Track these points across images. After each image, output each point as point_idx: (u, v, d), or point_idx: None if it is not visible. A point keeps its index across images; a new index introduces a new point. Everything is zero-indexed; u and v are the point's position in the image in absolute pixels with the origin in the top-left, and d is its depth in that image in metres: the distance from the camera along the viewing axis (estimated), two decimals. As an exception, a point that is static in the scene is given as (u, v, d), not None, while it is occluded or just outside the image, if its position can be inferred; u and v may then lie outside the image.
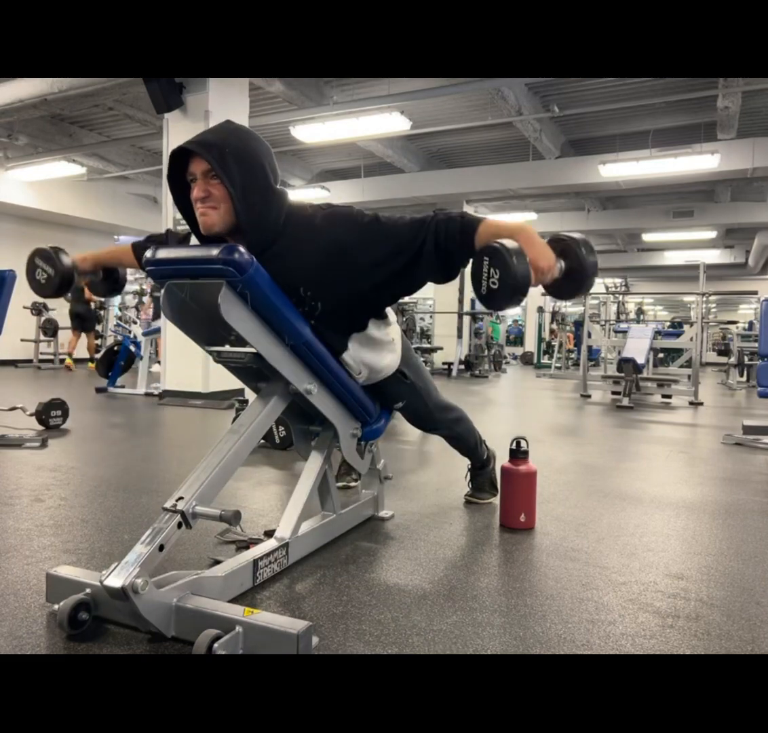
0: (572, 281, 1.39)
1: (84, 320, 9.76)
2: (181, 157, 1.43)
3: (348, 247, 1.47)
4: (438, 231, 1.44)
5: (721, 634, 1.36)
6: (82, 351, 10.36)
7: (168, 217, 5.44)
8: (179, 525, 1.28)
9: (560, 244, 1.38)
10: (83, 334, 9.88)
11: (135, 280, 10.27)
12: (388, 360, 1.79)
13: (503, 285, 1.26)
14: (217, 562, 1.57)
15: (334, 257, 1.47)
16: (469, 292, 11.17)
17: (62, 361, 9.63)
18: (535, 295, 14.82)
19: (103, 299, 9.60)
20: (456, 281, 10.54)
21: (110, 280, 1.90)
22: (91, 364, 9.84)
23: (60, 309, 9.67)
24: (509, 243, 1.29)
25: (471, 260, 1.41)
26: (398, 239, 1.47)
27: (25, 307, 8.95)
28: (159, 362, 6.24)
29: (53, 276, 1.73)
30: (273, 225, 1.46)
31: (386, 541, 1.93)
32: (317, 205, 1.56)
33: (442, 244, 1.44)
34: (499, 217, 9.17)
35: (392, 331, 1.79)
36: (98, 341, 10.03)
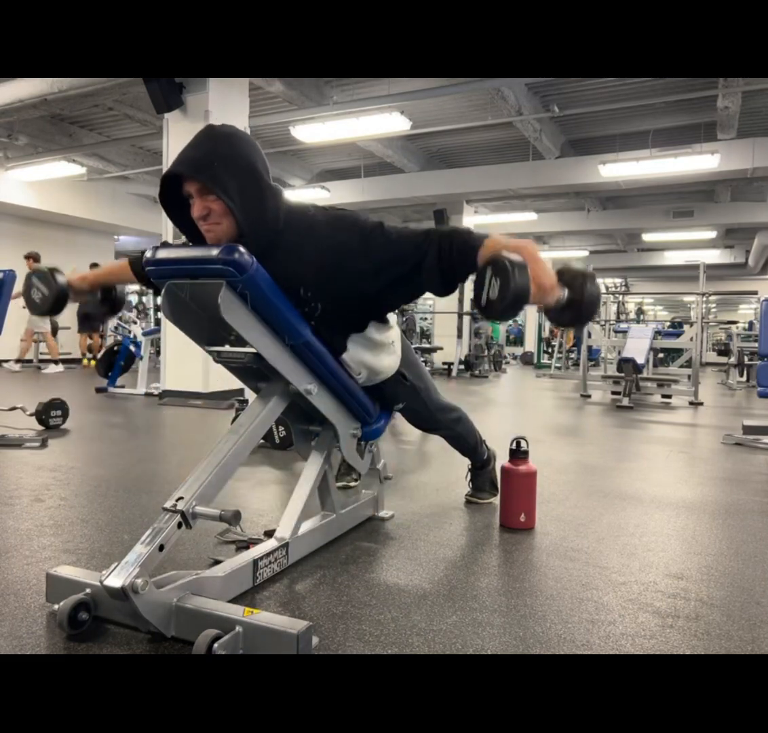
0: (574, 311, 1.40)
1: (92, 320, 9.77)
2: (173, 176, 1.41)
3: (349, 251, 1.46)
4: (442, 244, 1.43)
5: (721, 634, 1.36)
6: (76, 350, 10.37)
7: (168, 219, 5.44)
8: (179, 525, 1.28)
9: (566, 275, 1.40)
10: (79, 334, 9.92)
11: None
12: (388, 362, 1.79)
13: (502, 294, 1.27)
14: (217, 562, 1.57)
15: (334, 260, 1.46)
16: (469, 292, 11.16)
17: (58, 362, 9.62)
18: (535, 295, 14.81)
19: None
20: (456, 281, 10.54)
21: (107, 301, 1.90)
22: (85, 361, 9.85)
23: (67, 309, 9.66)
24: (513, 255, 1.29)
25: (472, 275, 1.41)
26: (400, 248, 1.46)
27: (24, 307, 8.94)
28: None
29: (47, 295, 1.76)
30: (272, 225, 1.45)
31: (386, 541, 1.93)
32: (320, 206, 1.55)
33: (445, 258, 1.43)
34: (499, 217, 9.10)
35: (392, 333, 1.79)
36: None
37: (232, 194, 1.36)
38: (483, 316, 1.37)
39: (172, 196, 1.46)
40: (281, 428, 3.22)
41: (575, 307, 1.39)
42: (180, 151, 1.41)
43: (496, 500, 2.25)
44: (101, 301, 1.89)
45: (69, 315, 9.26)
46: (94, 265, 7.65)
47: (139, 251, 1.76)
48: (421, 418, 2.09)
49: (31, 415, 3.71)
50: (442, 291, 1.51)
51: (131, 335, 6.35)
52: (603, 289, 13.07)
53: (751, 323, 13.43)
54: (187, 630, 1.21)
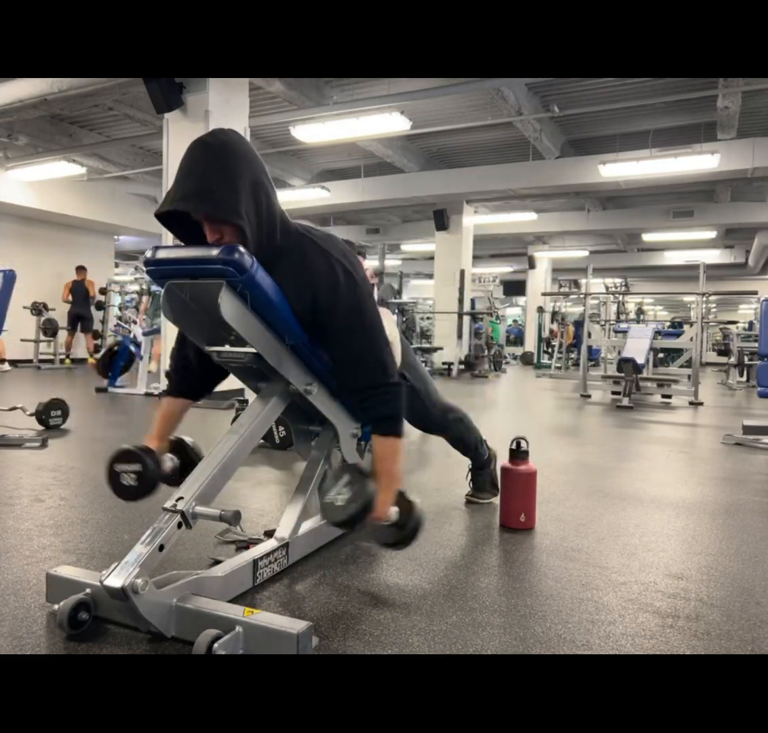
0: (394, 533, 1.56)
1: (84, 320, 9.79)
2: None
3: (328, 304, 1.45)
4: (386, 396, 1.51)
5: (721, 634, 1.36)
6: (81, 351, 10.38)
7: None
8: (179, 525, 1.28)
9: (399, 501, 1.54)
10: (81, 334, 9.91)
11: (135, 280, 10.29)
12: (389, 361, 1.79)
13: (347, 508, 1.40)
14: (217, 562, 1.57)
15: (311, 294, 1.44)
16: (470, 293, 11.18)
17: (62, 361, 9.64)
18: (535, 294, 14.84)
19: (102, 297, 9.58)
20: (456, 281, 10.56)
21: (189, 466, 1.52)
22: (91, 359, 9.85)
23: (60, 309, 9.69)
24: (371, 482, 1.43)
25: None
26: (367, 337, 1.49)
27: (25, 307, 8.95)
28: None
29: (143, 475, 1.47)
30: (276, 231, 1.44)
31: (386, 541, 1.93)
32: (318, 235, 1.50)
33: (374, 405, 1.51)
34: (499, 217, 9.07)
35: (391, 333, 1.78)
36: (98, 341, 10.02)
37: (241, 213, 1.32)
38: (321, 509, 1.51)
39: (170, 212, 1.40)
40: (281, 428, 3.22)
41: (398, 529, 1.55)
42: (176, 172, 1.35)
43: (497, 500, 2.25)
44: (182, 469, 1.57)
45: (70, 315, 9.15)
46: (79, 269, 7.55)
47: (168, 378, 1.68)
48: (421, 419, 2.09)
49: (31, 415, 3.71)
50: (344, 389, 1.64)
51: (131, 335, 6.34)
52: (604, 289, 13.09)
53: (751, 323, 13.42)
54: (187, 630, 1.21)
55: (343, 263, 1.47)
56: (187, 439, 1.66)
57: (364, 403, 1.53)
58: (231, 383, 1.73)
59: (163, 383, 5.52)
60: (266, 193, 1.40)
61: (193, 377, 1.67)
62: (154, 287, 7.12)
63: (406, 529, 1.55)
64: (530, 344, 15.63)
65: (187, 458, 1.61)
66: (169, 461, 1.57)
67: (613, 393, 6.83)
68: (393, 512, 1.52)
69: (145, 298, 7.26)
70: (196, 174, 1.33)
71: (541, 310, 14.06)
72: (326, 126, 6.55)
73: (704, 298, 7.37)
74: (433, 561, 1.76)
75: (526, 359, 14.96)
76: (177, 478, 1.55)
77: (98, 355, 6.98)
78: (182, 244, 1.49)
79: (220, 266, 1.32)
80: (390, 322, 1.80)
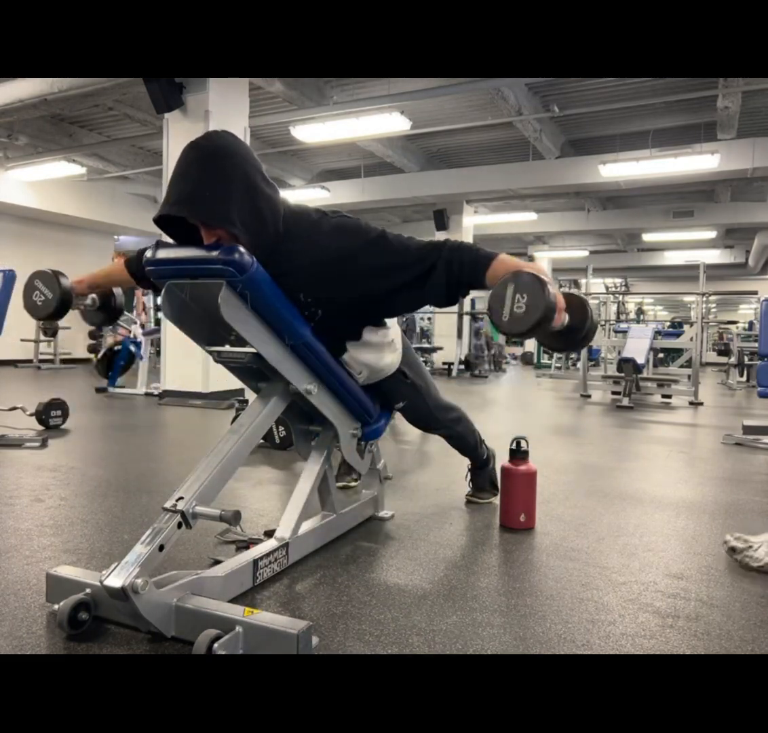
0: (571, 336, 1.44)
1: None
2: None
3: (351, 256, 1.46)
4: (451, 259, 1.44)
5: (721, 634, 1.36)
6: (80, 350, 10.38)
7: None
8: (179, 525, 1.28)
9: (569, 300, 1.41)
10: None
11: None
12: (389, 360, 1.79)
13: (531, 309, 1.27)
14: (217, 562, 1.57)
15: (336, 265, 1.46)
16: (470, 293, 11.15)
17: (64, 361, 9.65)
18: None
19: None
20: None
21: (107, 308, 1.84)
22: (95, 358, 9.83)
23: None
24: (538, 273, 1.31)
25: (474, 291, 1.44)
26: (404, 257, 1.46)
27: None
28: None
29: (51, 299, 1.70)
30: (273, 235, 1.44)
31: (386, 541, 1.93)
32: (323, 211, 1.54)
33: (454, 273, 1.44)
34: (499, 217, 9.08)
35: (392, 331, 1.79)
36: (96, 341, 10.02)
37: (234, 221, 1.34)
38: (504, 332, 1.36)
39: (169, 216, 1.42)
40: (281, 428, 3.22)
41: (575, 332, 1.42)
42: (171, 176, 1.36)
43: (497, 500, 2.25)
44: (99, 309, 1.83)
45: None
46: (119, 254, 7.26)
47: (135, 251, 1.74)
48: (422, 417, 2.09)
49: (31, 415, 3.71)
50: (445, 303, 1.53)
51: (131, 335, 6.34)
52: (603, 289, 13.10)
53: (751, 323, 13.42)
54: (187, 630, 1.21)
55: (349, 217, 1.52)
56: (118, 291, 1.85)
57: (448, 281, 1.45)
58: (231, 382, 1.74)
59: (163, 383, 5.55)
60: (264, 196, 1.41)
61: None
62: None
63: (584, 327, 1.42)
64: (530, 344, 15.63)
65: (107, 303, 1.83)
66: (89, 300, 1.79)
67: (613, 393, 6.83)
68: (566, 316, 1.38)
69: (138, 292, 7.23)
70: (189, 179, 1.34)
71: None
72: (326, 126, 6.55)
73: (704, 298, 7.37)
74: (433, 561, 1.76)
75: (526, 359, 14.96)
76: (95, 314, 1.84)
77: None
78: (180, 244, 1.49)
79: (220, 266, 1.32)
80: (391, 321, 1.80)
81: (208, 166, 1.35)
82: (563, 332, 1.41)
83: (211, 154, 1.36)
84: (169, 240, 1.49)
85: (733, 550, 1.79)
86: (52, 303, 1.70)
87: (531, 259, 15.18)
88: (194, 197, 1.33)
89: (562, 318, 1.38)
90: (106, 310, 1.85)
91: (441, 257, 1.44)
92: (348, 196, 10.01)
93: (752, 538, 1.80)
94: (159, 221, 1.43)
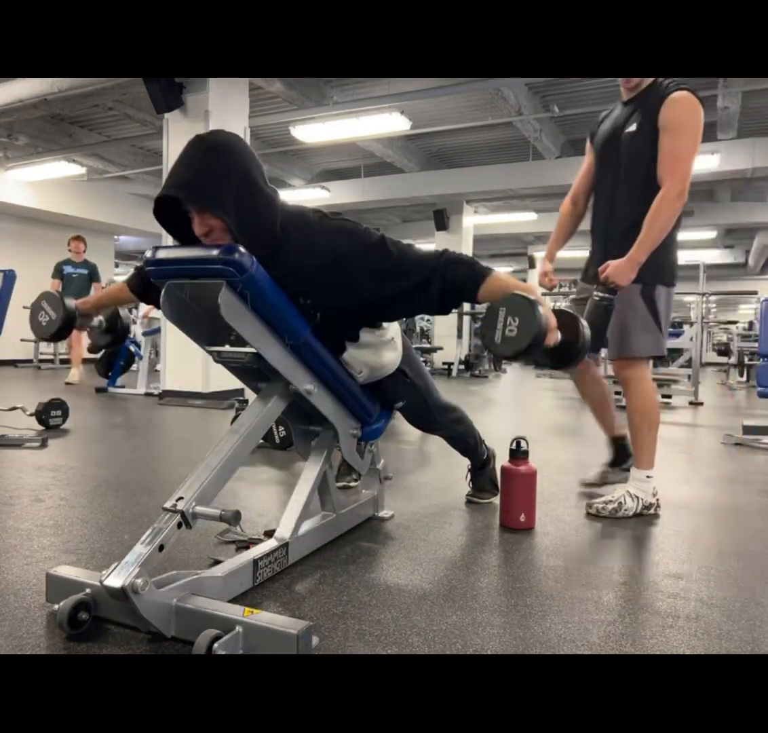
0: (565, 353, 1.46)
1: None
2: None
3: (348, 258, 1.46)
4: (446, 272, 1.45)
5: (721, 634, 1.36)
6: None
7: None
8: (179, 525, 1.28)
9: (561, 317, 1.44)
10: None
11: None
12: (389, 358, 1.79)
13: (523, 332, 1.30)
14: (217, 562, 1.57)
15: (333, 268, 1.46)
16: (463, 305, 11.15)
17: (63, 361, 9.64)
18: (535, 295, 14.82)
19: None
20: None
21: (113, 330, 1.86)
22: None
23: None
24: (530, 295, 1.33)
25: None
26: (402, 264, 1.47)
27: (25, 307, 8.93)
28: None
29: (54, 319, 1.72)
30: (270, 236, 1.44)
31: (386, 541, 1.93)
32: (320, 213, 1.54)
33: (448, 285, 1.46)
34: (499, 217, 9.07)
35: (392, 330, 1.79)
36: None
37: (228, 211, 1.35)
38: (496, 354, 1.39)
39: (169, 210, 1.45)
40: (281, 428, 3.22)
41: (569, 348, 1.44)
42: (173, 164, 1.39)
43: (497, 500, 2.25)
44: (106, 331, 1.84)
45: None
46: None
47: (134, 271, 1.76)
48: (421, 417, 2.09)
49: (31, 415, 3.71)
50: (436, 313, 1.56)
51: (131, 335, 6.34)
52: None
53: (751, 323, 13.42)
54: (187, 630, 1.21)
55: (348, 220, 1.51)
56: (123, 312, 1.87)
57: (442, 292, 1.46)
58: (231, 382, 1.74)
59: (163, 383, 5.55)
60: (262, 195, 1.42)
61: (150, 285, 1.66)
62: (66, 268, 7.08)
63: (578, 343, 1.45)
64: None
65: (114, 326, 1.85)
66: (96, 321, 1.82)
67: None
68: (558, 334, 1.41)
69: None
70: (190, 167, 1.37)
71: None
72: (326, 126, 6.56)
73: (704, 299, 7.37)
74: (433, 561, 1.76)
75: (526, 359, 14.95)
76: (100, 337, 1.86)
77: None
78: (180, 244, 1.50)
79: (220, 266, 1.32)
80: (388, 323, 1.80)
81: (210, 157, 1.37)
82: (556, 350, 1.43)
83: (215, 148, 1.39)
84: (170, 242, 1.50)
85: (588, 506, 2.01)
86: (55, 323, 1.72)
87: (531, 259, 15.19)
88: (192, 182, 1.35)
89: (555, 337, 1.40)
90: (113, 332, 1.87)
91: (438, 269, 1.46)
92: (348, 196, 10.01)
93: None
94: (157, 212, 1.45)
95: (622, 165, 2.10)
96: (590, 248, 2.37)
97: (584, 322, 1.47)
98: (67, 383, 6.67)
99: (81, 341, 6.83)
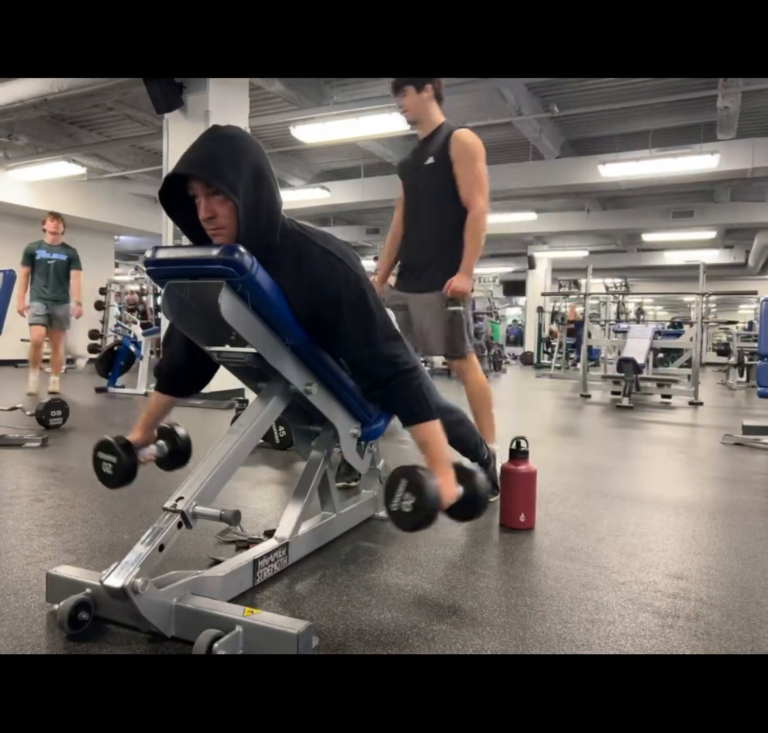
0: (465, 506, 1.56)
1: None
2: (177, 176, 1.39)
3: (330, 297, 1.45)
4: (410, 378, 1.50)
5: (721, 634, 1.36)
6: (79, 349, 10.37)
7: (168, 219, 5.44)
8: (179, 525, 1.28)
9: (459, 473, 1.54)
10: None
11: (135, 280, 10.27)
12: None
13: (415, 511, 1.40)
14: (217, 562, 1.57)
15: (314, 297, 1.45)
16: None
17: (69, 361, 9.63)
18: (535, 295, 14.84)
19: (102, 297, 9.56)
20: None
21: (177, 451, 1.75)
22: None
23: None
24: (427, 476, 1.41)
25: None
26: (376, 335, 1.49)
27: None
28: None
29: (117, 464, 1.63)
30: (273, 230, 1.43)
31: (386, 541, 1.93)
32: (317, 234, 1.51)
33: (395, 392, 1.51)
34: (499, 218, 9.05)
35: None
36: (98, 341, 10.01)
37: (236, 188, 1.34)
38: (391, 520, 1.48)
39: (174, 196, 1.44)
40: (281, 428, 3.22)
41: (469, 501, 1.55)
42: (185, 151, 1.39)
43: (497, 500, 2.25)
44: (170, 454, 1.74)
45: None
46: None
47: (154, 373, 1.73)
48: (421, 418, 2.09)
49: (31, 415, 3.71)
50: (368, 389, 1.66)
51: (131, 335, 6.34)
52: (603, 289, 13.09)
53: (751, 323, 13.42)
54: (187, 630, 1.21)
55: (343, 261, 1.47)
56: (176, 426, 1.78)
57: (389, 396, 1.53)
58: (231, 382, 1.73)
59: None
60: (268, 187, 1.42)
61: (179, 376, 1.70)
62: (40, 252, 5.64)
63: (477, 497, 1.55)
64: (530, 344, 15.63)
65: (176, 444, 1.75)
66: (156, 448, 1.73)
67: (613, 393, 6.83)
68: (458, 490, 1.50)
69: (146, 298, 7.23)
70: (204, 148, 1.37)
71: (540, 310, 14.06)
72: (326, 126, 6.55)
73: (704, 299, 7.37)
74: (433, 561, 1.76)
75: (526, 359, 14.96)
76: (167, 462, 1.75)
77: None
78: (182, 238, 1.50)
79: (220, 266, 1.32)
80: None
81: (223, 143, 1.38)
82: (459, 504, 1.52)
83: (230, 137, 1.40)
84: (170, 242, 1.50)
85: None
86: (120, 468, 1.63)
87: (531, 259, 15.18)
88: (205, 160, 1.35)
89: (455, 493, 1.50)
90: (177, 454, 1.75)
91: (399, 373, 1.50)
92: (348, 196, 10.00)
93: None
94: (165, 202, 1.45)
95: (425, 190, 2.52)
96: (400, 262, 2.66)
97: (481, 475, 1.58)
98: (29, 394, 5.66)
99: (59, 349, 6.13)
